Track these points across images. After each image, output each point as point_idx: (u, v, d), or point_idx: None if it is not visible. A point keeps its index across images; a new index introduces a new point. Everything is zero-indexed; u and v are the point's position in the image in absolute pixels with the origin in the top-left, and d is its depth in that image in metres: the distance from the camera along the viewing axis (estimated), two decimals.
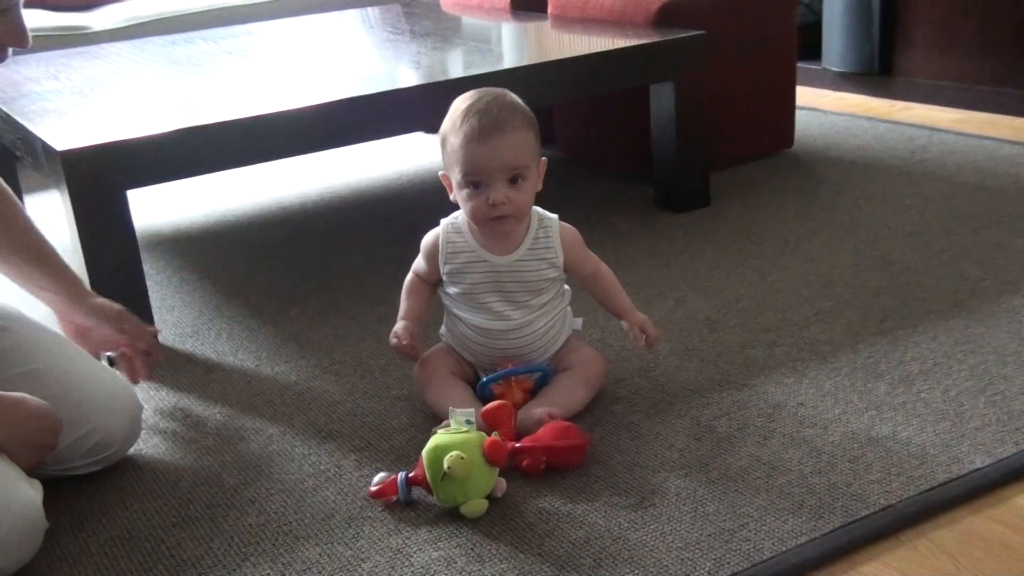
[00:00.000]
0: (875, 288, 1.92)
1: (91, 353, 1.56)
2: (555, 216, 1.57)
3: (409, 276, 1.61)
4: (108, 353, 1.65)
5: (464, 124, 1.46)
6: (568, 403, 1.51)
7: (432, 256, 1.56)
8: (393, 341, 1.55)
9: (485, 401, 1.52)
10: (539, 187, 1.53)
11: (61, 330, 1.61)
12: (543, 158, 1.53)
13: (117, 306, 1.60)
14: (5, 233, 1.55)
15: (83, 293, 1.60)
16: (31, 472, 1.31)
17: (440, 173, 1.56)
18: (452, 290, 1.56)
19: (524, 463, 1.37)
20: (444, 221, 1.57)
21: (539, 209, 1.56)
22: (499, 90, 1.51)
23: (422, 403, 1.59)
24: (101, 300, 1.60)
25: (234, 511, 1.38)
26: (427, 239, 1.58)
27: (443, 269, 1.55)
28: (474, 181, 1.47)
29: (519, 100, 1.51)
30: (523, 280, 1.53)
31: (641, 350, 1.64)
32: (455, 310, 1.57)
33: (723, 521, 1.27)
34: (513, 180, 1.46)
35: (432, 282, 1.60)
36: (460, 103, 1.49)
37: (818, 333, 1.75)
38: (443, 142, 1.51)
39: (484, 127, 1.44)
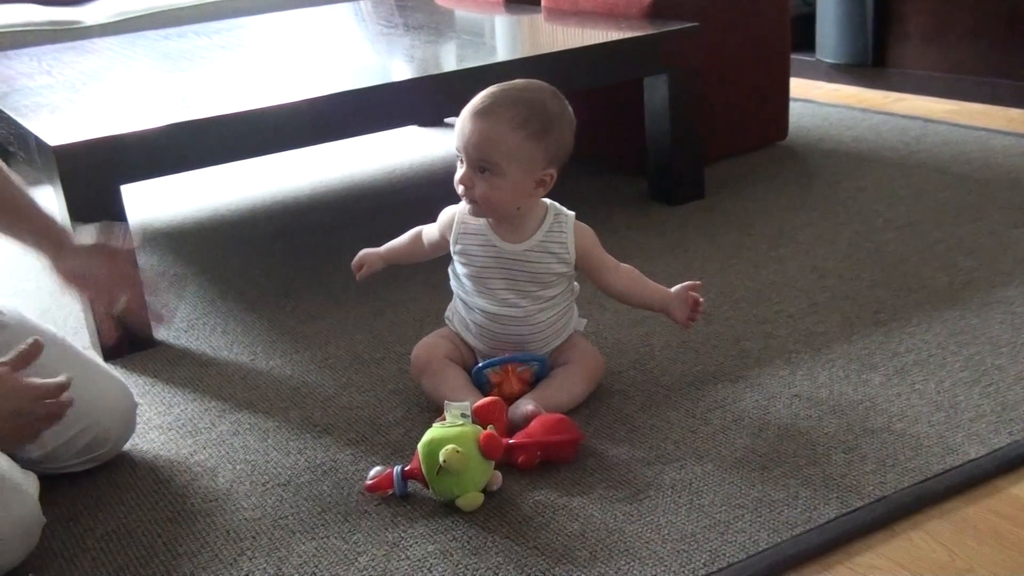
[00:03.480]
0: (869, 279, 1.92)
1: (95, 302, 1.51)
2: (572, 213, 1.56)
3: (416, 228, 1.66)
4: (118, 311, 1.56)
5: (474, 98, 1.48)
6: (564, 398, 1.52)
7: (446, 230, 1.58)
8: (354, 259, 1.67)
9: (481, 387, 1.52)
10: (535, 196, 1.50)
11: (58, 282, 1.51)
12: (550, 171, 1.49)
13: (98, 237, 1.51)
14: None
15: (66, 239, 1.51)
16: (18, 447, 1.29)
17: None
18: (461, 271, 1.57)
19: (519, 459, 1.38)
20: (462, 203, 1.57)
21: (557, 204, 1.56)
22: (535, 85, 1.51)
23: (417, 395, 1.59)
24: (84, 239, 1.51)
25: (230, 505, 1.38)
26: (446, 212, 1.60)
27: (453, 248, 1.57)
28: (457, 150, 1.49)
29: (543, 100, 1.48)
30: (531, 271, 1.53)
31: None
32: (462, 294, 1.58)
33: (718, 513, 1.28)
34: (481, 170, 1.46)
35: (434, 249, 1.63)
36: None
37: (812, 325, 1.76)
38: None
39: (476, 106, 1.46)
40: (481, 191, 1.47)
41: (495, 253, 1.53)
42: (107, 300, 1.55)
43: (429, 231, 1.64)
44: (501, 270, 1.53)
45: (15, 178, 1.52)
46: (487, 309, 1.55)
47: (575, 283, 1.61)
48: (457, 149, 1.49)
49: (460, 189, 1.49)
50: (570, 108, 1.53)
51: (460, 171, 1.48)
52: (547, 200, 1.55)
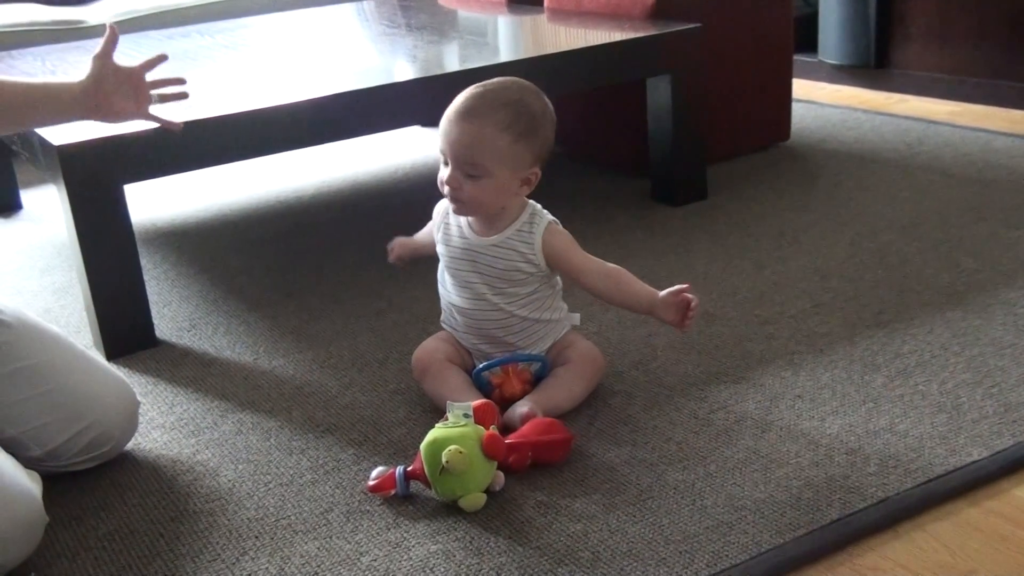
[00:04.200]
0: (872, 280, 1.92)
1: (139, 107, 1.57)
2: (551, 218, 1.55)
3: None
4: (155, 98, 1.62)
5: (456, 98, 1.48)
6: (565, 397, 1.52)
7: (435, 218, 1.62)
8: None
9: (481, 389, 1.52)
10: (520, 194, 1.51)
11: (104, 115, 1.56)
12: (534, 169, 1.50)
13: (96, 68, 1.54)
14: None
15: (75, 84, 1.54)
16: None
17: None
18: (441, 262, 1.59)
19: (511, 460, 1.37)
20: None
21: (538, 207, 1.56)
22: (516, 84, 1.50)
23: (420, 395, 1.59)
24: (88, 76, 1.54)
25: (232, 505, 1.38)
26: (439, 205, 1.62)
27: (436, 236, 1.60)
28: (442, 152, 1.50)
29: (526, 100, 1.48)
30: (496, 266, 1.53)
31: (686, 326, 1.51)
32: (443, 291, 1.60)
33: (721, 514, 1.28)
34: (468, 172, 1.47)
35: (432, 239, 1.65)
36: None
37: (815, 325, 1.76)
38: None
39: (459, 108, 1.47)
40: (468, 192, 1.47)
41: (465, 244, 1.55)
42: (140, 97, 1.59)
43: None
44: (470, 262, 1.54)
45: (8, 81, 1.51)
46: (460, 305, 1.56)
47: (557, 280, 1.60)
48: (442, 151, 1.49)
49: (445, 190, 1.49)
50: (551, 105, 1.53)
51: (445, 172, 1.49)
52: (531, 201, 1.56)
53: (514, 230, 1.53)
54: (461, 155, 1.46)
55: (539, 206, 1.56)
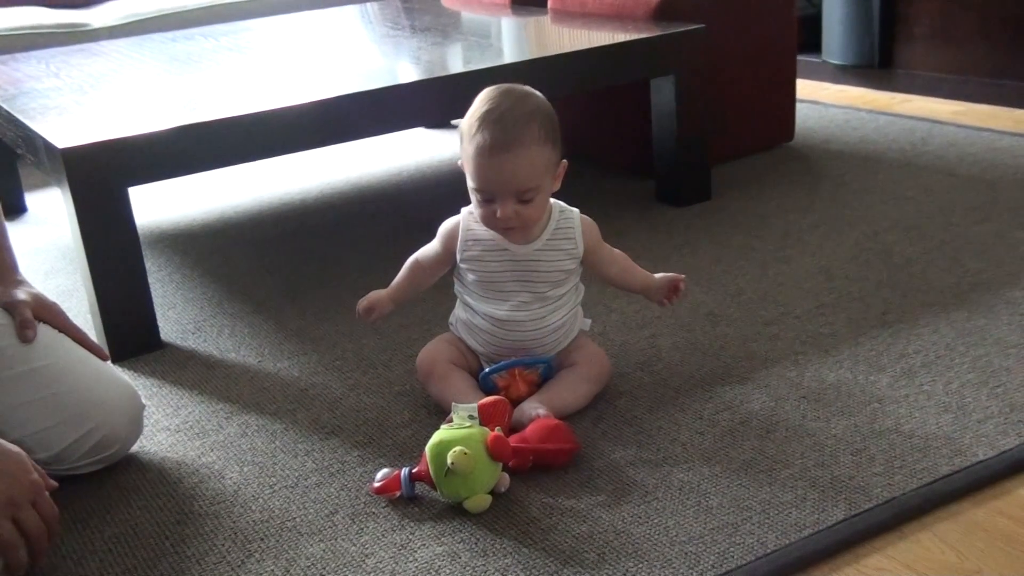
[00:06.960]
0: (876, 281, 1.92)
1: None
2: (576, 210, 1.57)
3: (411, 258, 1.62)
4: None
5: (477, 134, 1.43)
6: (571, 400, 1.52)
7: (450, 241, 1.56)
8: (360, 303, 1.61)
9: (487, 392, 1.52)
10: (556, 187, 1.52)
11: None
12: (563, 161, 1.51)
13: (23, 297, 1.44)
14: None
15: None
16: None
17: (458, 162, 1.54)
18: (470, 277, 1.56)
19: (511, 463, 1.37)
20: (464, 209, 1.56)
21: (559, 202, 1.56)
22: (521, 93, 1.47)
23: (425, 397, 1.60)
24: (16, 292, 1.45)
25: (238, 507, 1.38)
26: (446, 224, 1.58)
27: (460, 256, 1.56)
28: (482, 192, 1.47)
29: (540, 103, 1.47)
30: (542, 270, 1.53)
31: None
32: (469, 299, 1.57)
33: (726, 515, 1.28)
34: (522, 198, 1.45)
35: (437, 267, 1.60)
36: (480, 104, 1.46)
37: (820, 326, 1.75)
38: (460, 139, 1.50)
39: (495, 143, 1.41)
40: (525, 216, 1.47)
41: (507, 257, 1.53)
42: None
43: (426, 252, 1.61)
44: (514, 272, 1.53)
45: None
46: (495, 315, 1.54)
47: (580, 285, 1.61)
48: (480, 189, 1.46)
49: (502, 224, 1.46)
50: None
51: (493, 208, 1.45)
52: (551, 199, 1.56)
53: (552, 230, 1.53)
54: (516, 187, 1.44)
55: (561, 202, 1.57)
